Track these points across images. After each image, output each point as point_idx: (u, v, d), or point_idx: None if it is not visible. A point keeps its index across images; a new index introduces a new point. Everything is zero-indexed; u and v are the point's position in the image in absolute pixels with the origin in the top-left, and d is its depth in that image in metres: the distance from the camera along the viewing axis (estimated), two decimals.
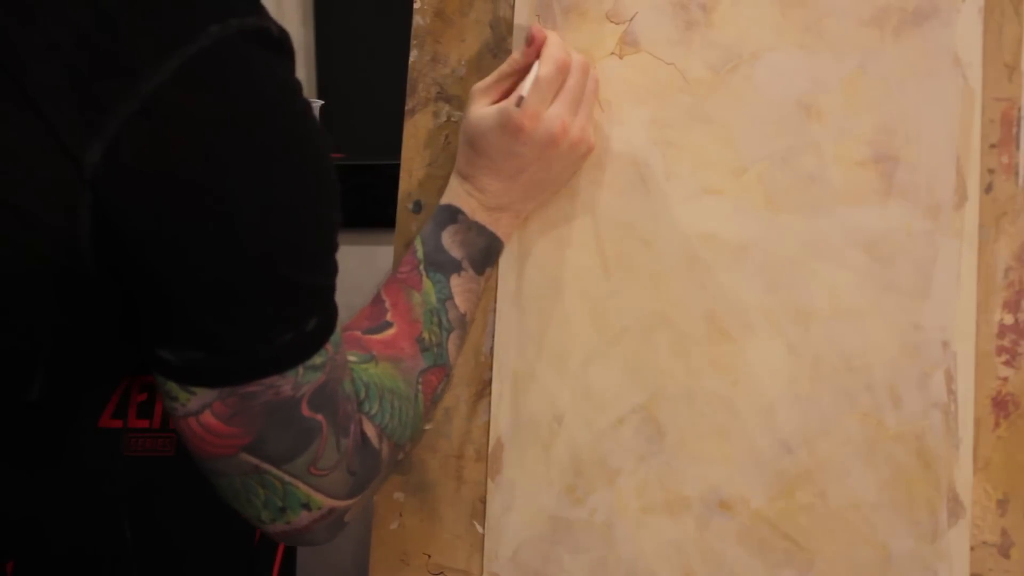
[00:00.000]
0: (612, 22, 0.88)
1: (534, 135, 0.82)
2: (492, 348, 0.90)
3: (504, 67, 0.85)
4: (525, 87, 0.82)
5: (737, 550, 0.83)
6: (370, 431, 0.73)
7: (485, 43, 0.92)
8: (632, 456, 0.86)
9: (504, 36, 0.91)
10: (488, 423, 0.91)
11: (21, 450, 0.70)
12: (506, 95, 0.84)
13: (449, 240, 0.84)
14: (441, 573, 0.91)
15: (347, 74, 1.39)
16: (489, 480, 0.90)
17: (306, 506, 0.70)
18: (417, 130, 0.94)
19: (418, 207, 0.94)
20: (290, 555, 1.08)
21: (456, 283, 0.84)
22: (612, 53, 0.88)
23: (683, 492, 0.85)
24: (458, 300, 0.84)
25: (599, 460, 0.87)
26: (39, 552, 0.75)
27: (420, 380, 0.79)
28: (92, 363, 0.69)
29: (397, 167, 0.95)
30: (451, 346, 0.83)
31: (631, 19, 0.87)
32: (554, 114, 0.82)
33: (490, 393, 0.91)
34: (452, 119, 0.94)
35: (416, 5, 0.95)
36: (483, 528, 0.90)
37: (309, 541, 0.73)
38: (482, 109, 0.84)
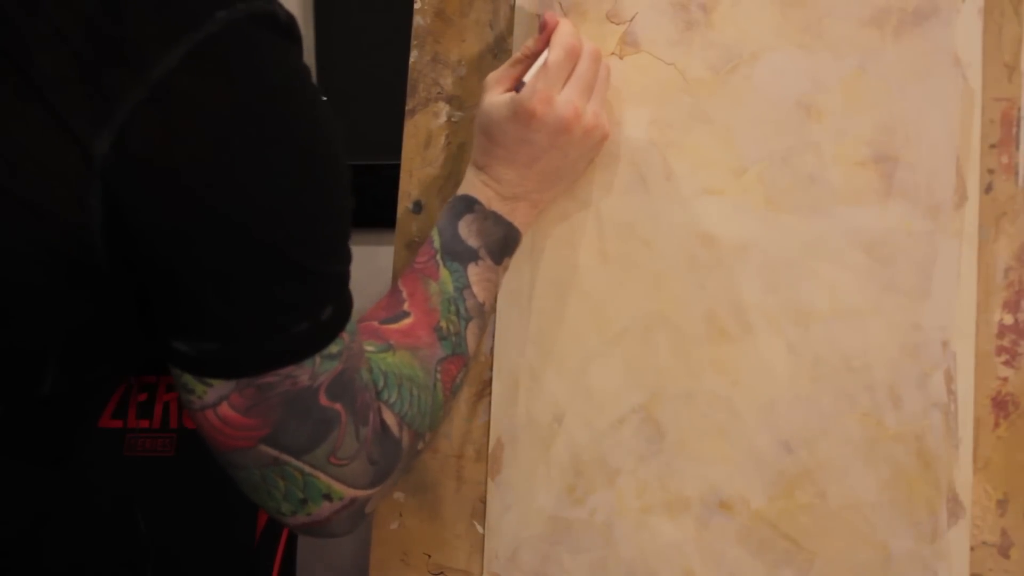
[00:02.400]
0: (612, 22, 0.88)
1: (546, 120, 0.81)
2: (492, 348, 0.90)
3: (517, 55, 0.85)
4: (530, 73, 0.83)
5: (737, 550, 0.83)
6: (390, 420, 0.73)
7: (486, 43, 0.92)
8: (632, 456, 0.86)
9: (504, 36, 0.91)
10: (488, 423, 0.91)
11: (33, 448, 0.70)
12: (519, 82, 0.84)
13: (466, 230, 0.84)
14: (441, 573, 0.91)
15: (347, 74, 1.39)
16: (489, 480, 0.90)
17: (327, 497, 0.70)
18: (417, 130, 0.94)
19: (418, 207, 0.94)
20: (290, 555, 1.08)
21: (473, 272, 0.83)
22: (612, 53, 0.88)
23: (683, 492, 0.85)
24: (476, 289, 0.83)
25: (599, 460, 0.87)
26: (52, 552, 0.75)
27: (439, 369, 0.78)
28: (104, 357, 0.69)
29: (397, 167, 0.95)
30: (470, 336, 0.83)
31: (631, 19, 0.87)
32: (566, 99, 0.82)
33: (490, 393, 0.91)
34: (452, 119, 0.94)
35: (416, 5, 0.95)
36: (483, 528, 0.90)
37: (330, 532, 0.72)
38: (495, 97, 0.84)
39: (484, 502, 0.90)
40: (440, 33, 0.94)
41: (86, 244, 0.61)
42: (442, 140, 0.94)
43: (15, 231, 0.61)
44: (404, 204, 0.94)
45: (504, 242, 0.85)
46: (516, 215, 0.86)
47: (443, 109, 0.94)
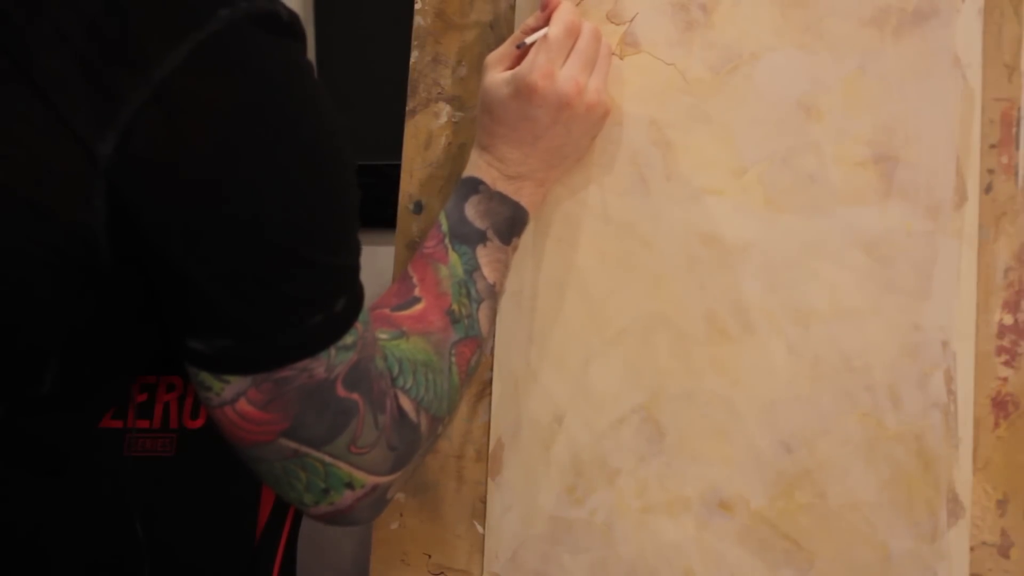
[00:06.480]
0: (612, 23, 0.88)
1: (548, 95, 0.81)
2: (492, 348, 0.90)
3: (517, 33, 0.85)
4: (530, 39, 0.83)
5: (737, 550, 0.83)
6: (407, 405, 0.73)
7: (486, 44, 0.93)
8: (632, 456, 0.86)
9: (504, 37, 0.91)
10: (488, 423, 0.91)
11: (33, 456, 0.70)
12: (520, 62, 0.84)
13: (472, 211, 0.84)
14: (441, 573, 0.91)
15: (347, 74, 1.39)
16: (489, 480, 0.90)
17: (349, 485, 0.70)
18: (418, 131, 0.94)
19: (418, 207, 0.94)
20: (290, 555, 1.08)
21: (482, 254, 0.83)
22: (612, 54, 0.88)
23: (683, 492, 0.85)
24: (486, 271, 0.83)
25: (599, 460, 0.87)
26: (51, 552, 0.75)
27: (453, 352, 0.79)
28: (106, 356, 0.69)
29: (397, 167, 0.95)
30: (482, 317, 0.82)
31: (631, 20, 0.87)
32: (567, 74, 0.82)
33: (490, 393, 0.91)
34: (453, 120, 0.94)
35: (417, 6, 0.95)
36: (483, 528, 0.90)
37: (353, 520, 0.73)
38: (497, 76, 0.84)
39: (484, 502, 0.90)
40: (441, 33, 0.94)
41: (90, 244, 0.61)
42: (443, 140, 0.94)
43: (19, 231, 0.61)
44: (404, 204, 0.94)
45: (511, 222, 0.85)
46: (522, 194, 0.85)
47: (444, 109, 0.94)
